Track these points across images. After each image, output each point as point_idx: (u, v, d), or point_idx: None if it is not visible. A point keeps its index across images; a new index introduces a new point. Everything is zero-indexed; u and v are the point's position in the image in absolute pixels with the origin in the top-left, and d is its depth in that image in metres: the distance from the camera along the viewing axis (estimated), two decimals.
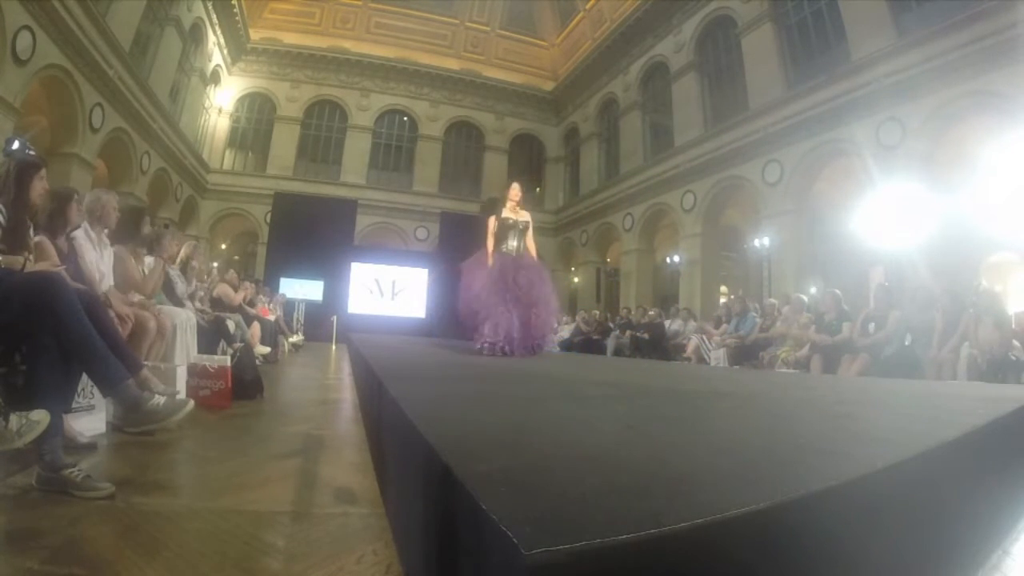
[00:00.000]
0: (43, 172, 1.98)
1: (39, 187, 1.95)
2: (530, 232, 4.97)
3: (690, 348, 7.77)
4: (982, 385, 3.92)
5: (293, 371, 5.78)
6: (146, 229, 3.15)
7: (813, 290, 9.15)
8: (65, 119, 9.93)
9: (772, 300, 7.63)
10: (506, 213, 4.82)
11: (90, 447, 1.87)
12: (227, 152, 17.56)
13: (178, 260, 4.43)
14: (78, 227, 2.54)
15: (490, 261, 4.69)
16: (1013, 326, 4.85)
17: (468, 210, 17.17)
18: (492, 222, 4.86)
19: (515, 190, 4.93)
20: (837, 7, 10.02)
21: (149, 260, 3.22)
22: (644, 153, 15.41)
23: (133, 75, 11.35)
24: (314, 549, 1.15)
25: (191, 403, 1.88)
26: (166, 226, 3.42)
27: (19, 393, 1.59)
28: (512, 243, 4.82)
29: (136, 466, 1.71)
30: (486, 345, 4.34)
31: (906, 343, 5.20)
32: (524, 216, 4.93)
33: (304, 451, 2.04)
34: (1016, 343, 4.67)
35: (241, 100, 17.70)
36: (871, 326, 5.53)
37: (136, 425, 1.88)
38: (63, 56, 9.10)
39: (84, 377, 1.81)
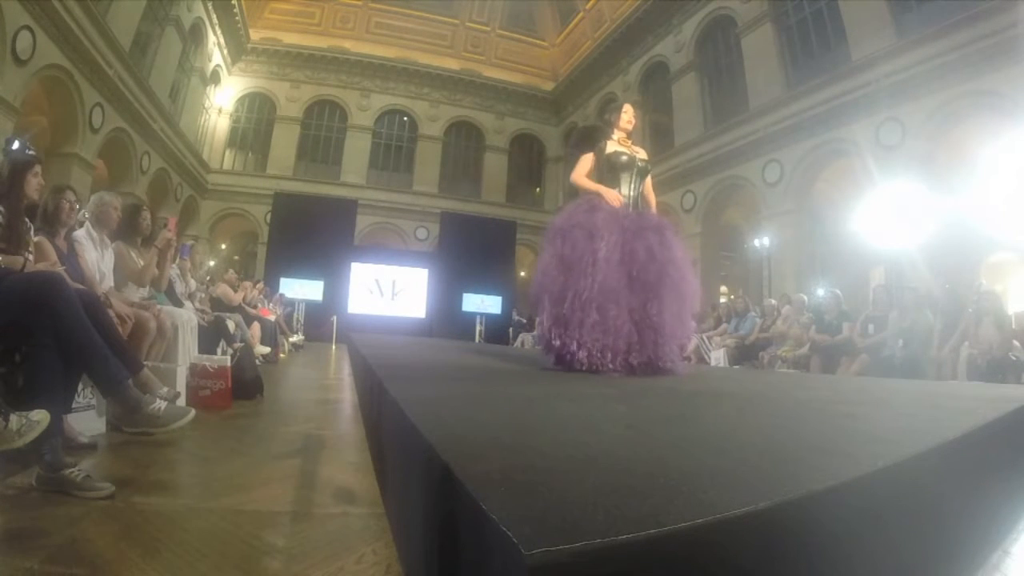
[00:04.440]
0: (37, 168, 1.98)
1: (34, 183, 1.95)
2: (649, 178, 3.32)
3: (690, 348, 7.77)
4: (982, 385, 3.93)
5: (293, 371, 5.77)
6: (145, 223, 3.15)
7: (821, 291, 9.14)
8: (65, 119, 9.94)
9: (772, 300, 7.64)
10: (615, 147, 3.22)
11: (90, 447, 1.86)
12: (227, 152, 17.56)
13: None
14: (75, 227, 2.54)
15: (609, 195, 3.03)
16: (1013, 326, 4.86)
17: (468, 210, 17.20)
18: (587, 162, 3.21)
19: (628, 113, 3.30)
20: (837, 7, 10.03)
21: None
22: None
23: (133, 75, 11.35)
24: (314, 549, 1.14)
25: (192, 412, 1.89)
26: (165, 226, 3.39)
27: (19, 393, 1.59)
28: (625, 190, 3.15)
29: (136, 466, 1.70)
30: (568, 355, 2.74)
31: (900, 344, 5.20)
32: (641, 153, 3.30)
33: (304, 451, 2.04)
34: (1016, 343, 4.67)
35: (241, 100, 17.71)
36: (871, 327, 5.53)
37: (135, 426, 1.88)
38: (63, 56, 9.11)
39: (84, 377, 1.81)
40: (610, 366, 2.72)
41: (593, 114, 17.70)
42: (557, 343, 2.81)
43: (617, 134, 3.28)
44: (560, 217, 3.13)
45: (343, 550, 1.14)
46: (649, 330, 2.83)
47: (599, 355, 2.72)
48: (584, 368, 2.71)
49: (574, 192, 3.31)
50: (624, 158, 3.17)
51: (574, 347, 2.73)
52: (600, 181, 3.15)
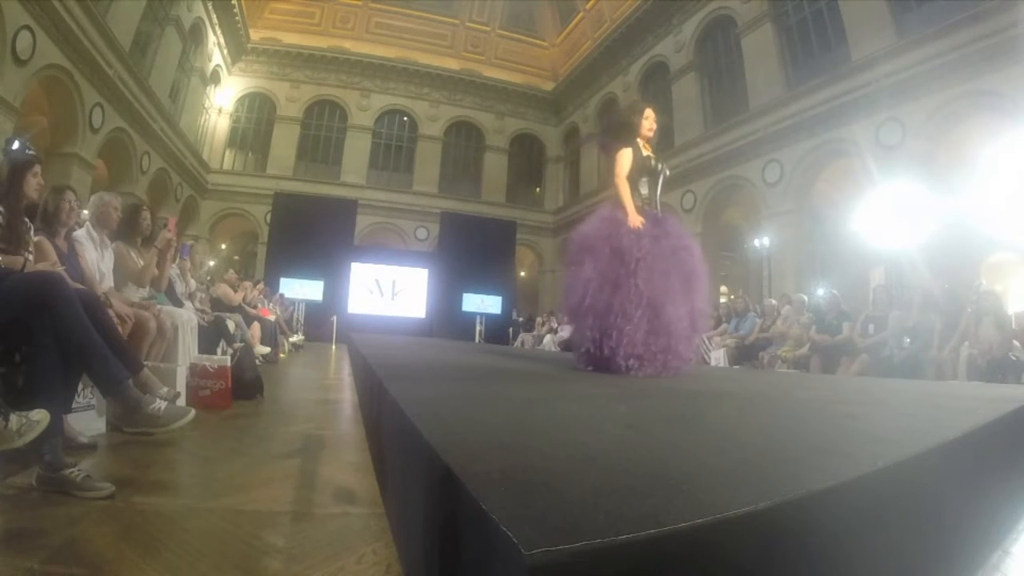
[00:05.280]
0: (37, 168, 1.98)
1: (33, 183, 1.95)
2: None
3: None
4: (982, 385, 3.93)
5: (293, 371, 5.77)
6: (145, 223, 3.15)
7: (821, 291, 9.14)
8: (65, 119, 9.94)
9: (772, 300, 7.64)
10: (644, 150, 3.23)
11: (90, 447, 1.86)
12: (227, 152, 17.57)
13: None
14: (74, 228, 2.54)
15: (632, 217, 2.97)
16: (1013, 326, 4.86)
17: (468, 210, 17.20)
18: (628, 160, 3.13)
19: (650, 119, 3.24)
20: (837, 7, 10.03)
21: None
22: None
23: (133, 75, 11.35)
24: (314, 549, 1.14)
25: (192, 412, 1.89)
26: (165, 226, 3.40)
27: (19, 393, 1.59)
28: (646, 194, 3.19)
29: (136, 466, 1.70)
30: (631, 361, 2.76)
31: (904, 343, 5.20)
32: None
33: (304, 451, 2.04)
34: (1016, 343, 4.67)
35: (241, 100, 17.71)
36: (871, 327, 5.53)
37: (135, 426, 1.88)
38: (63, 56, 9.11)
39: (84, 377, 1.81)
40: (649, 370, 2.78)
41: (593, 115, 17.73)
42: (606, 352, 2.84)
43: (640, 138, 3.27)
44: (586, 232, 3.15)
45: (343, 550, 1.14)
46: (687, 331, 2.98)
47: (639, 359, 2.79)
48: (633, 372, 2.77)
49: (601, 188, 3.36)
50: (653, 162, 3.21)
51: (622, 354, 2.78)
52: (632, 182, 3.15)
